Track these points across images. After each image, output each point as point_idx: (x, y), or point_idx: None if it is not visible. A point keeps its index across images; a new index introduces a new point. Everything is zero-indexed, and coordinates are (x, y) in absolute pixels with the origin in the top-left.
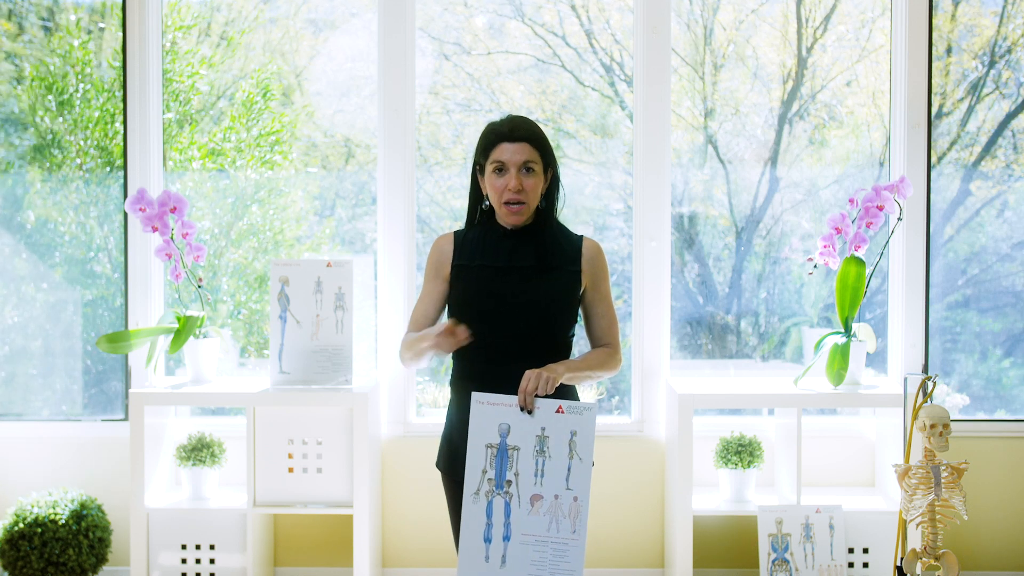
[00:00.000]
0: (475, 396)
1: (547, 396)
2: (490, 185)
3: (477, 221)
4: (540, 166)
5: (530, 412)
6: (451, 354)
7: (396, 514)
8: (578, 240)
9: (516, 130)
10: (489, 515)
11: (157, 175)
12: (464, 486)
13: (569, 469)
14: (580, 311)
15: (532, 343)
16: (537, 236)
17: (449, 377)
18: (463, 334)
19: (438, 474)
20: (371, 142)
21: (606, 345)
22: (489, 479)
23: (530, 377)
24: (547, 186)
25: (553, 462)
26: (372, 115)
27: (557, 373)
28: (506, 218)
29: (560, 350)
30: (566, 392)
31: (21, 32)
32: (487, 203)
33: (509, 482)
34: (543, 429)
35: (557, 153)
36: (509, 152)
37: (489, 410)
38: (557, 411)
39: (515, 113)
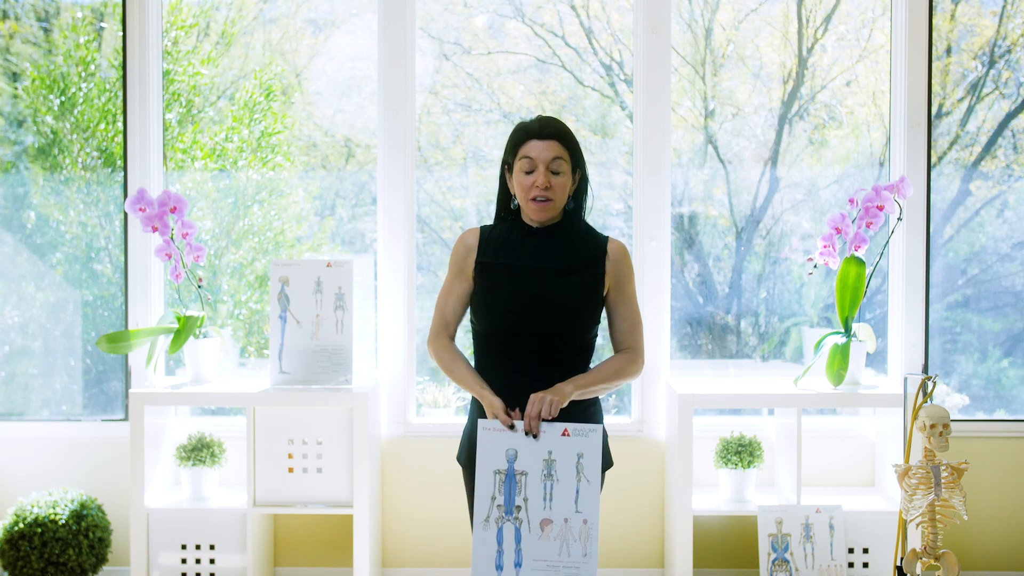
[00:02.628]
0: (481, 423)
1: (553, 419)
2: (518, 182)
3: (504, 218)
4: (568, 165)
5: (535, 436)
6: (474, 354)
7: (396, 514)
8: (604, 241)
9: (545, 128)
10: (500, 542)
11: (157, 175)
12: (474, 514)
13: (578, 492)
14: (604, 313)
15: (553, 343)
16: (562, 236)
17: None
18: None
19: (438, 474)
20: (371, 142)
21: (627, 349)
22: (499, 505)
23: (534, 401)
24: (575, 187)
25: (561, 485)
26: (372, 115)
27: (563, 394)
28: (532, 215)
29: (581, 351)
30: (584, 406)
31: (18, 32)
32: (515, 202)
33: (519, 507)
34: (550, 453)
35: None
36: (538, 149)
37: (496, 436)
38: (563, 434)
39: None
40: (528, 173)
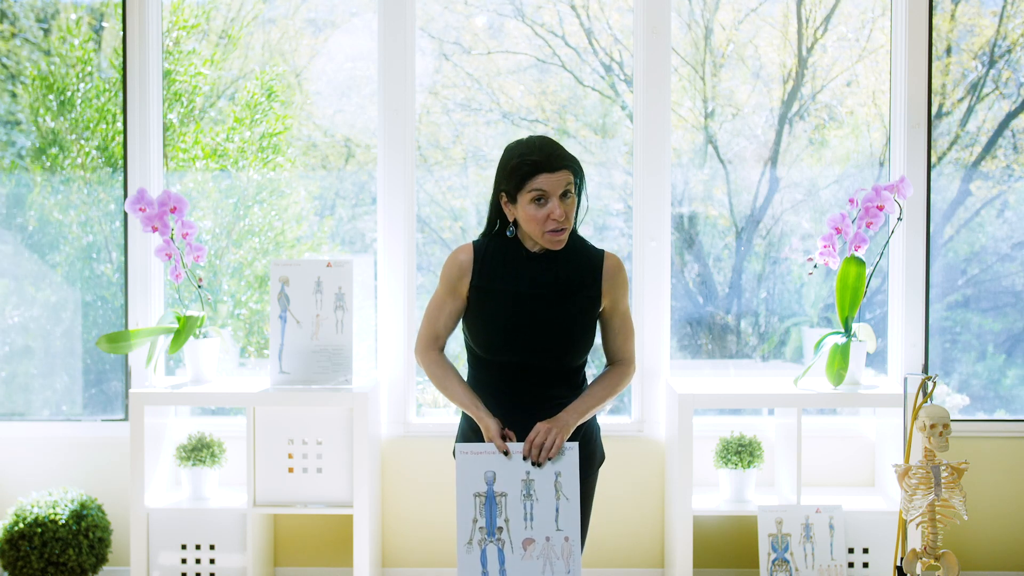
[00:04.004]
0: (458, 447)
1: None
2: (527, 215)
3: (495, 235)
4: (574, 187)
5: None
6: (467, 364)
7: (396, 514)
8: (599, 256)
9: (553, 159)
10: (484, 564)
11: (157, 175)
12: (457, 537)
13: (557, 510)
14: (598, 325)
15: (549, 365)
16: (559, 259)
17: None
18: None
19: (438, 474)
20: (371, 142)
21: (620, 361)
22: (480, 528)
23: (539, 431)
24: None
25: (541, 505)
26: (372, 115)
27: (567, 427)
28: (549, 245)
29: (576, 371)
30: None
31: (16, 32)
32: (512, 230)
33: (500, 528)
34: (528, 473)
35: None
36: (551, 183)
37: (473, 459)
38: None
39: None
40: (540, 205)
